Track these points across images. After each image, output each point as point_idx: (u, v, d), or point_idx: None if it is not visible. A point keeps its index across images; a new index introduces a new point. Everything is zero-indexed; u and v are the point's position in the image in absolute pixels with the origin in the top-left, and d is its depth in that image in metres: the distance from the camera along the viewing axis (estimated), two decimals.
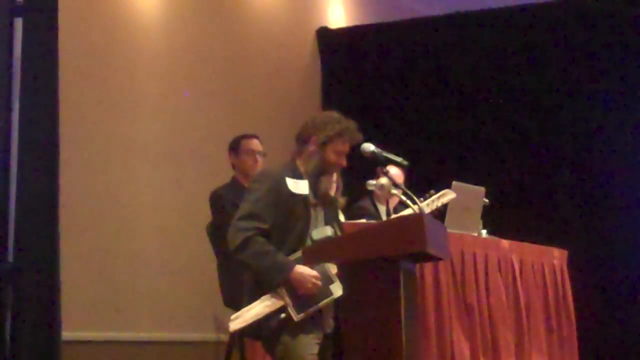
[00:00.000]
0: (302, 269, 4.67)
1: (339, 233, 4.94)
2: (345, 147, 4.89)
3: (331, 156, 4.86)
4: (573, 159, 9.16)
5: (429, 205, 5.56)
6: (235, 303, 5.42)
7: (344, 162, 4.90)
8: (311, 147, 4.88)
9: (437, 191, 5.76)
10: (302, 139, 4.94)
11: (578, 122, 9.17)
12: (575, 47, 9.25)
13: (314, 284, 4.68)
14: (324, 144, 4.85)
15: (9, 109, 6.20)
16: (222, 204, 6.43)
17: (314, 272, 4.69)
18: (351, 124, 4.90)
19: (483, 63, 9.67)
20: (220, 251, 6.47)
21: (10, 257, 6.14)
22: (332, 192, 4.94)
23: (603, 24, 9.15)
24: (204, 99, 8.74)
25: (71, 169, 6.97)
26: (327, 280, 4.74)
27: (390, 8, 11.25)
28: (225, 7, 9.20)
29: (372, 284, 4.43)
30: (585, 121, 9.13)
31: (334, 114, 4.96)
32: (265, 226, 4.74)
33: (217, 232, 6.46)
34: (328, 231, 4.77)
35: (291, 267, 4.67)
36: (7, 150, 6.18)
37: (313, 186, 4.86)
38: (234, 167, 6.67)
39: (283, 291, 4.68)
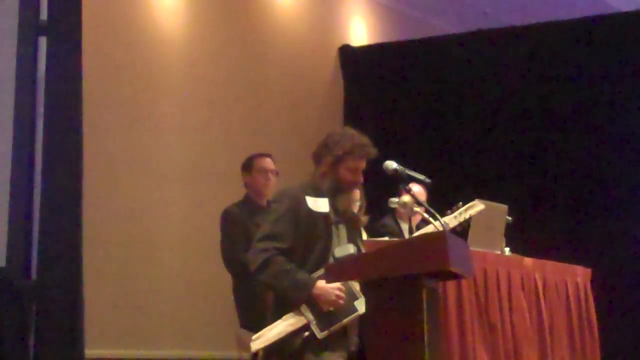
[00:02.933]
0: (324, 284, 4.65)
1: (363, 251, 4.91)
2: (358, 164, 4.84)
3: (345, 174, 4.82)
4: (597, 176, 9.11)
5: (456, 217, 5.53)
6: (251, 325, 5.42)
7: (360, 179, 4.86)
8: (324, 167, 4.86)
9: (464, 204, 5.74)
10: (316, 159, 4.92)
11: (602, 138, 9.14)
12: (595, 64, 9.23)
13: (338, 295, 4.65)
14: (335, 163, 4.81)
15: (32, 126, 6.24)
16: (230, 224, 6.48)
17: (337, 285, 4.66)
18: (363, 140, 4.85)
19: (505, 80, 9.66)
20: (232, 273, 6.52)
21: (34, 275, 6.17)
22: (355, 210, 4.92)
23: (618, 42, 9.17)
24: (225, 117, 8.77)
25: (93, 187, 7.00)
26: (352, 296, 4.72)
27: (412, 26, 11.26)
28: (248, 26, 9.23)
29: (395, 302, 4.40)
30: (609, 137, 9.10)
31: (348, 131, 4.92)
32: (285, 246, 4.72)
33: (224, 255, 6.51)
34: (350, 249, 4.74)
35: (313, 284, 4.65)
36: (31, 167, 6.22)
37: (332, 204, 4.85)
38: (246, 185, 6.71)
39: (306, 309, 4.66)
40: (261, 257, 4.70)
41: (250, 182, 6.68)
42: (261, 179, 6.63)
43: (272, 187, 6.57)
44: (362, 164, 4.85)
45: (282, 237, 4.73)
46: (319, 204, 4.81)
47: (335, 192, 4.83)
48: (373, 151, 4.85)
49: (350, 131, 4.91)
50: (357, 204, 4.97)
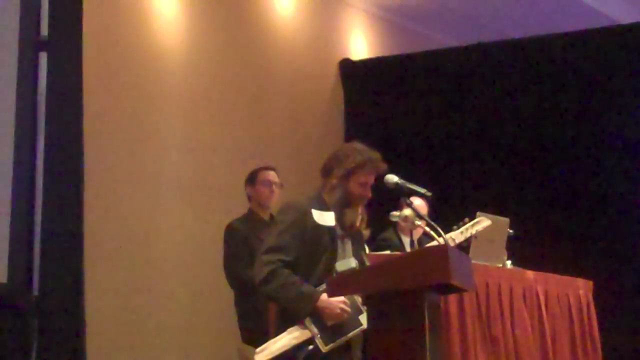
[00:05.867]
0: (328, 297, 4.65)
1: (367, 264, 4.91)
2: (368, 179, 4.86)
3: (354, 188, 4.83)
4: (599, 189, 9.11)
5: (462, 233, 5.53)
6: (253, 339, 5.41)
7: (369, 193, 4.88)
8: (333, 180, 4.86)
9: (470, 219, 5.74)
10: (325, 172, 4.93)
11: (604, 151, 9.14)
12: (596, 76, 9.24)
13: (343, 309, 4.64)
14: (345, 177, 4.83)
15: (33, 143, 6.25)
16: (233, 239, 6.49)
17: (341, 298, 4.66)
18: (374, 155, 4.88)
19: (505, 93, 9.66)
20: (234, 288, 6.52)
21: (35, 291, 6.16)
22: (357, 224, 4.93)
23: (619, 54, 9.18)
24: (227, 132, 8.77)
25: (95, 203, 7.00)
26: (357, 310, 4.72)
27: (412, 39, 11.28)
28: (248, 41, 9.24)
29: (397, 316, 4.40)
30: (611, 150, 9.10)
31: (357, 146, 4.94)
32: (289, 258, 4.72)
33: (226, 270, 6.52)
34: (352, 263, 4.74)
35: (317, 297, 4.65)
36: (32, 184, 6.23)
37: (339, 218, 4.85)
38: (249, 198, 6.72)
39: (310, 322, 4.65)
40: (266, 270, 4.71)
41: (253, 195, 6.69)
42: (265, 191, 6.65)
43: (275, 200, 6.59)
44: (372, 179, 4.87)
45: (287, 249, 4.74)
46: (325, 217, 4.82)
47: (343, 206, 4.84)
48: (383, 166, 4.88)
49: (361, 146, 4.94)
50: (359, 217, 4.97)
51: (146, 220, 7.92)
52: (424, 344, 4.32)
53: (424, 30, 11.63)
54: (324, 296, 4.65)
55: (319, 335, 4.65)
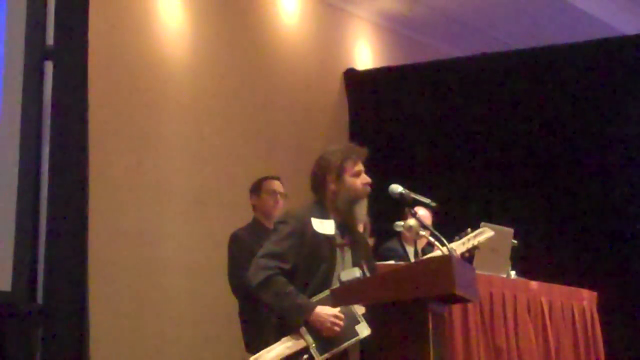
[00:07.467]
0: (320, 310, 4.62)
1: (368, 274, 4.90)
2: (358, 167, 4.87)
3: (352, 182, 4.83)
4: (604, 199, 9.11)
5: (464, 244, 5.52)
6: (257, 349, 5.42)
7: (367, 179, 4.87)
8: (332, 187, 4.86)
9: (473, 230, 5.73)
10: (318, 186, 4.92)
11: (610, 161, 9.15)
12: (598, 89, 9.25)
13: (333, 322, 4.61)
14: (339, 176, 4.83)
15: (39, 151, 6.26)
16: (237, 248, 6.48)
17: (333, 311, 4.63)
18: (349, 144, 4.95)
19: (509, 104, 9.67)
20: (238, 297, 6.52)
21: (40, 300, 6.16)
22: (361, 230, 4.92)
23: (624, 64, 9.19)
24: (231, 141, 8.78)
25: (99, 212, 7.01)
26: (353, 320, 4.68)
27: (417, 49, 11.30)
28: (253, 51, 9.26)
29: (401, 326, 4.40)
30: (617, 160, 9.11)
31: (329, 147, 4.98)
32: (287, 266, 4.71)
33: (231, 279, 6.51)
34: (357, 272, 4.72)
35: (311, 309, 4.62)
36: (37, 192, 6.23)
37: (341, 225, 4.83)
38: (254, 208, 6.71)
39: (306, 332, 4.63)
40: (263, 274, 4.68)
41: (258, 205, 6.68)
42: (270, 201, 6.64)
43: (280, 210, 6.58)
44: (361, 166, 4.88)
45: (285, 257, 4.72)
46: (325, 226, 4.81)
47: (352, 203, 4.84)
48: (364, 150, 4.91)
49: (332, 146, 4.98)
50: (362, 224, 4.97)
51: (151, 229, 7.93)
52: (428, 355, 4.32)
53: (429, 40, 11.65)
54: (318, 309, 4.62)
55: (313, 345, 4.61)
